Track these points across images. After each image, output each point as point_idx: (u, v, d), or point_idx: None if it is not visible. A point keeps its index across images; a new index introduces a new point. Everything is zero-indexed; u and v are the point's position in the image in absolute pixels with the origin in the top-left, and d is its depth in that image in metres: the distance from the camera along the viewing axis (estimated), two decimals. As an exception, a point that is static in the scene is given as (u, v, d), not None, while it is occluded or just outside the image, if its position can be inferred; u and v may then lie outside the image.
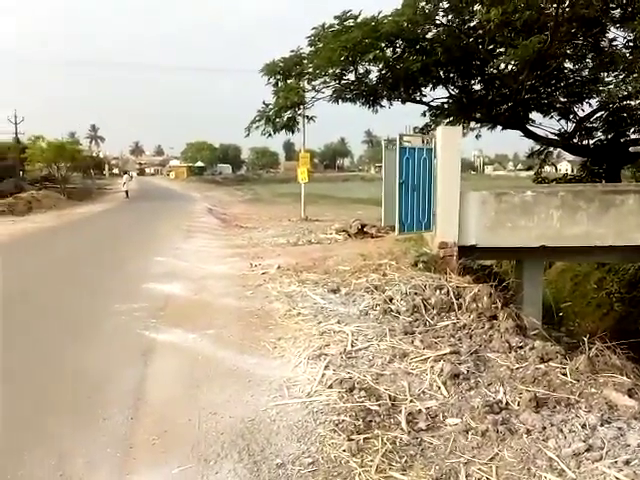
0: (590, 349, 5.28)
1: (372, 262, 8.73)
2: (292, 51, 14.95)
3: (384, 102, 15.77)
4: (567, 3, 12.69)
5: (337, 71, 14.21)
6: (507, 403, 4.26)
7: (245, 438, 3.76)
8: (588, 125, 16.77)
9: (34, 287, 8.82)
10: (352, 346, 5.40)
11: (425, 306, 6.58)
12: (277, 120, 14.81)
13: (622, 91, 14.28)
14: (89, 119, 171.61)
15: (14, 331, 6.29)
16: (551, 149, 19.57)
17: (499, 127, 17.15)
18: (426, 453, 3.60)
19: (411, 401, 4.27)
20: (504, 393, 4.42)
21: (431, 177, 9.23)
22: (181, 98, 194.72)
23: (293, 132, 15.88)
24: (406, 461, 3.48)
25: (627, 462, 3.39)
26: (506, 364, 5.06)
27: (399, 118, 15.20)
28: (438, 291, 6.91)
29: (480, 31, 14.00)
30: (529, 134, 16.85)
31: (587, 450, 3.55)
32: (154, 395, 4.51)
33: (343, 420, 3.91)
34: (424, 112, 17.00)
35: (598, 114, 16.35)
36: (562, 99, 16.52)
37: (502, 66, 14.73)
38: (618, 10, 13.91)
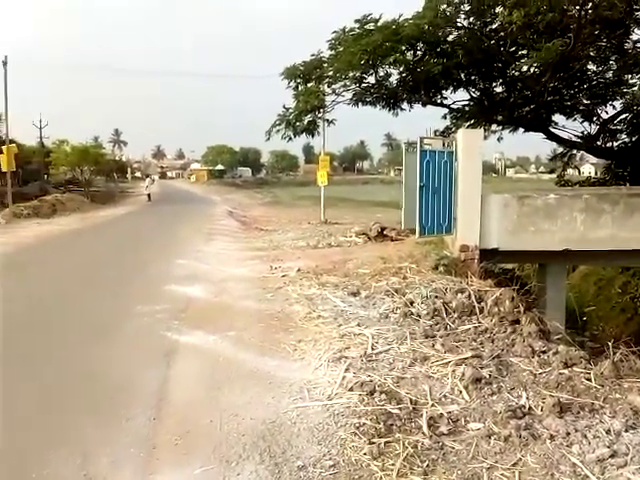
0: (614, 354, 5.22)
1: (392, 265, 8.71)
2: (312, 55, 14.97)
3: (404, 105, 15.68)
4: (590, 5, 12.50)
5: (357, 74, 14.18)
6: (530, 408, 4.22)
7: (266, 440, 3.78)
8: (612, 127, 16.48)
9: (59, 288, 8.98)
10: (372, 349, 5.39)
11: (446, 309, 6.55)
12: (297, 124, 14.81)
13: (646, 93, 14.04)
14: (112, 123, 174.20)
15: (39, 331, 6.43)
16: (574, 152, 19.28)
17: (521, 130, 16.95)
18: (448, 457, 3.58)
19: (432, 405, 4.25)
20: (527, 398, 4.37)
21: (452, 180, 9.18)
22: (203, 103, 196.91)
23: (313, 136, 15.88)
24: (428, 465, 3.47)
25: (653, 469, 3.34)
26: (529, 369, 5.01)
27: (419, 121, 15.20)
28: (459, 294, 6.86)
29: (502, 33, 13.87)
30: (552, 136, 16.64)
31: (611, 456, 3.51)
32: (176, 396, 4.56)
33: (364, 423, 3.91)
34: (445, 115, 16.86)
35: (622, 116, 16.08)
36: (585, 101, 16.27)
37: (524, 68, 14.56)
38: (642, 12, 13.66)
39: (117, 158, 73.12)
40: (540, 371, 4.95)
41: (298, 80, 15.10)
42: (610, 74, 15.40)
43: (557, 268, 9.86)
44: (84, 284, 9.31)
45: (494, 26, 14.27)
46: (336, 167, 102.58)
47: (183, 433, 3.91)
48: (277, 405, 4.30)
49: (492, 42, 14.28)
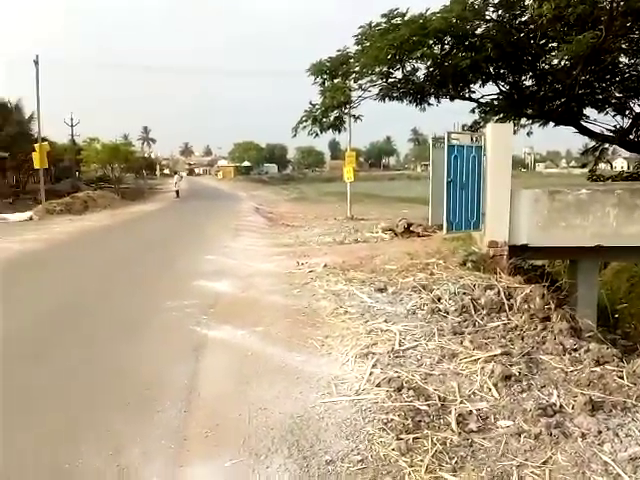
0: (648, 352, 5.10)
1: (419, 261, 8.66)
2: (338, 50, 14.93)
3: (432, 100, 15.54)
4: (621, -4, 12.21)
5: (384, 69, 14.09)
6: (561, 406, 4.16)
7: (294, 434, 3.81)
8: (645, 121, 16.10)
9: (89, 285, 9.16)
10: (400, 345, 5.38)
11: (474, 306, 6.49)
12: (324, 120, 14.81)
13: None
14: (141, 121, 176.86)
15: (69, 328, 6.57)
16: (606, 146, 18.88)
17: (551, 124, 16.65)
18: (477, 455, 3.56)
19: (461, 402, 4.23)
20: (558, 396, 4.32)
21: (480, 175, 9.06)
22: (232, 101, 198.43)
23: (339, 132, 15.88)
24: (456, 462, 3.46)
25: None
26: (560, 366, 4.94)
27: (447, 116, 15.01)
28: (488, 291, 6.79)
29: (532, 26, 13.62)
30: (583, 130, 16.30)
31: (645, 455, 3.44)
32: (206, 390, 4.62)
33: (392, 419, 3.91)
34: (473, 109, 16.66)
35: (656, 109, 15.69)
36: (617, 94, 15.91)
37: (555, 61, 14.29)
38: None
39: (146, 155, 74.38)
40: (571, 369, 4.87)
41: (324, 76, 15.08)
42: (643, 66, 15.01)
43: (589, 264, 9.67)
44: (114, 280, 9.49)
45: (524, 19, 14.02)
46: (362, 163, 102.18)
47: (213, 426, 3.96)
48: (305, 400, 4.32)
49: (522, 35, 14.04)
